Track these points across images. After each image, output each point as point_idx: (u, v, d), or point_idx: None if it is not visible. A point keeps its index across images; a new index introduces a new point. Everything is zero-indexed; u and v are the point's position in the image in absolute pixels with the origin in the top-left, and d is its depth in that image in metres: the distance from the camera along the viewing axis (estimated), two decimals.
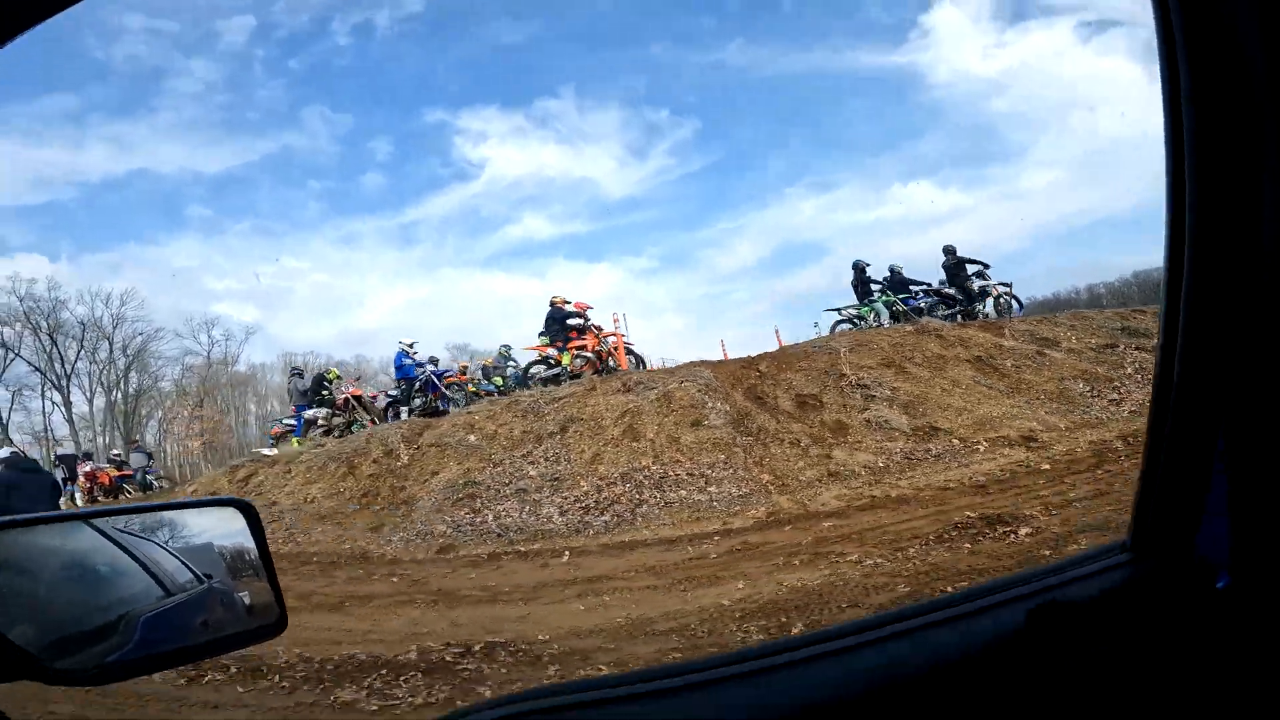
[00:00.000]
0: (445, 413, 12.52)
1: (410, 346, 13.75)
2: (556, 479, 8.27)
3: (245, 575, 0.92)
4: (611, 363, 11.81)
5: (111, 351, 49.58)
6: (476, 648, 4.03)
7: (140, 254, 59.65)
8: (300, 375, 15.02)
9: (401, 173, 72.50)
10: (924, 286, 12.41)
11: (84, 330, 48.19)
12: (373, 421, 13.22)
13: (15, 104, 62.15)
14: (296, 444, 13.64)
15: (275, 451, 17.02)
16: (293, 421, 14.99)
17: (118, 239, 70.83)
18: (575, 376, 11.59)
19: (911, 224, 69.30)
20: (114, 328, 49.05)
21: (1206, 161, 0.53)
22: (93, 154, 58.93)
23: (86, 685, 0.83)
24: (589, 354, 11.83)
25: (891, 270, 12.66)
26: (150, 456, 22.20)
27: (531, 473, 8.61)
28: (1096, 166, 58.10)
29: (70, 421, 47.65)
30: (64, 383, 47.50)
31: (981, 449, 7.25)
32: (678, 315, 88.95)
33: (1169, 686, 0.56)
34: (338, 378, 14.66)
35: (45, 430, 49.11)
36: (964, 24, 63.67)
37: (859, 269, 12.64)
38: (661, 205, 77.82)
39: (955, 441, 7.49)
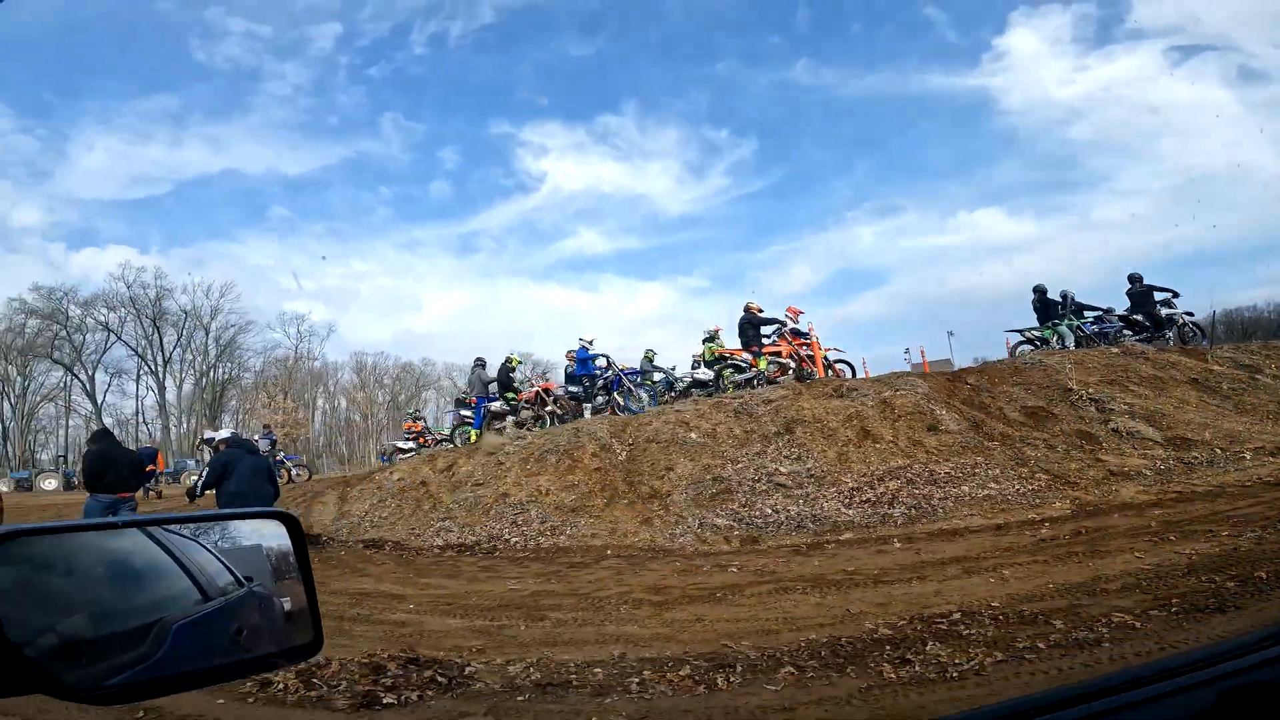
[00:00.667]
0: (627, 410, 13.21)
1: (590, 344, 14.20)
2: (814, 476, 8.87)
3: (286, 581, 0.93)
4: (808, 369, 12.51)
5: (206, 340, 51.65)
6: (956, 615, 4.22)
7: (222, 250, 62.68)
8: (484, 365, 14.99)
9: (466, 182, 73.90)
10: (1099, 312, 12.92)
11: (185, 318, 50.31)
12: (559, 416, 13.89)
13: (122, 101, 65.63)
14: (474, 436, 14.27)
15: (410, 445, 17.82)
16: (468, 413, 15.67)
17: (202, 235, 73.95)
18: (771, 381, 12.37)
19: (978, 252, 67.37)
20: (211, 318, 51.15)
21: None
22: (190, 152, 62.38)
23: (97, 704, 0.73)
24: (784, 360, 12.60)
25: (1063, 295, 13.19)
26: (275, 443, 23.30)
27: (781, 470, 9.25)
28: (1184, 197, 55.53)
29: (162, 405, 49.67)
30: (161, 369, 49.69)
31: (1247, 457, 7.76)
32: (726, 336, 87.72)
33: None
34: (519, 363, 14.88)
35: (137, 413, 51.38)
36: (1041, 48, 61.13)
37: (1040, 292, 13.28)
38: (716, 225, 76.92)
39: (1216, 451, 8.01)
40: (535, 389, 14.28)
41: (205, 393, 50.72)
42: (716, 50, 67.34)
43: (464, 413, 16.05)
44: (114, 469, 7.02)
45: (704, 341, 13.72)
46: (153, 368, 49.05)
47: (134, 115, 65.10)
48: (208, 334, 51.13)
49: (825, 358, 12.76)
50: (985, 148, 65.61)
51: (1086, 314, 12.91)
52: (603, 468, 10.28)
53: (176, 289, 49.67)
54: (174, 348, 50.25)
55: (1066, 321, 12.68)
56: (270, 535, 0.94)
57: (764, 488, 8.95)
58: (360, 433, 56.94)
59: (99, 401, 48.01)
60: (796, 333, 12.89)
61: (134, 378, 49.99)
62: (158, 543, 0.80)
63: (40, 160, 57.65)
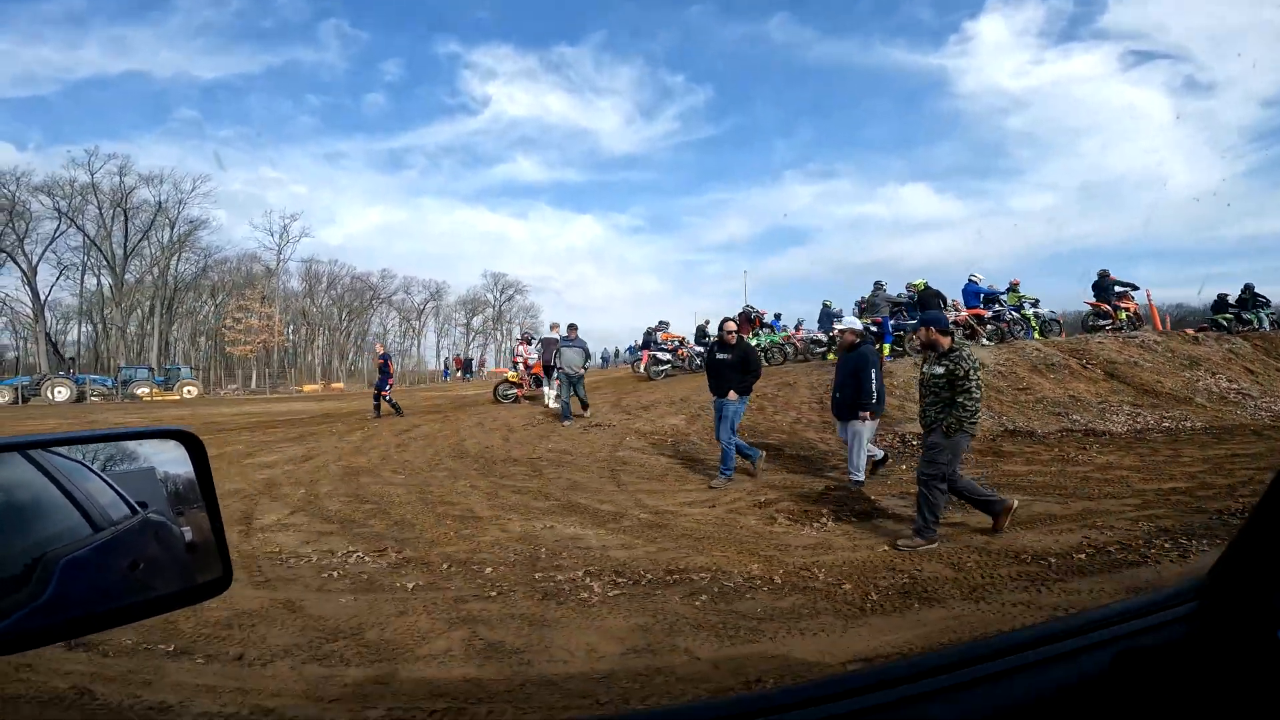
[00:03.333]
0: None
1: (981, 279, 14.72)
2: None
3: (188, 511, 0.82)
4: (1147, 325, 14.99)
5: (173, 234, 46.84)
6: None
7: (109, 150, 55.72)
8: (883, 287, 14.83)
9: (407, 97, 70.15)
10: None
11: (158, 209, 45.37)
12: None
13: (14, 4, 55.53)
14: (887, 350, 14.04)
15: (668, 357, 17.01)
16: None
17: (93, 135, 65.08)
18: (1119, 329, 14.47)
19: (902, 226, 71.55)
20: (178, 210, 46.25)
21: None
22: (88, 54, 54.37)
23: None
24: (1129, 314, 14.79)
25: (1248, 287, 15.55)
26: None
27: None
28: (1095, 197, 60.48)
29: (118, 301, 45.11)
30: (121, 264, 44.69)
31: None
32: (654, 278, 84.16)
33: None
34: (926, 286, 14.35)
35: (81, 310, 46.24)
36: (1008, 36, 63.73)
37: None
38: (658, 168, 77.87)
39: None
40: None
41: (161, 290, 45.97)
42: None
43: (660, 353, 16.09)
44: None
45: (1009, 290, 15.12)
46: (110, 261, 43.91)
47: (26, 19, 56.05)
48: (172, 227, 46.16)
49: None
50: (926, 127, 68.89)
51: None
52: None
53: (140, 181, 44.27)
54: (139, 240, 45.10)
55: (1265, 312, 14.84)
56: (168, 458, 0.84)
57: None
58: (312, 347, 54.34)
59: (42, 297, 42.61)
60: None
61: (80, 272, 44.60)
62: (39, 468, 0.72)
63: None
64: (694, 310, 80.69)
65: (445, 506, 6.01)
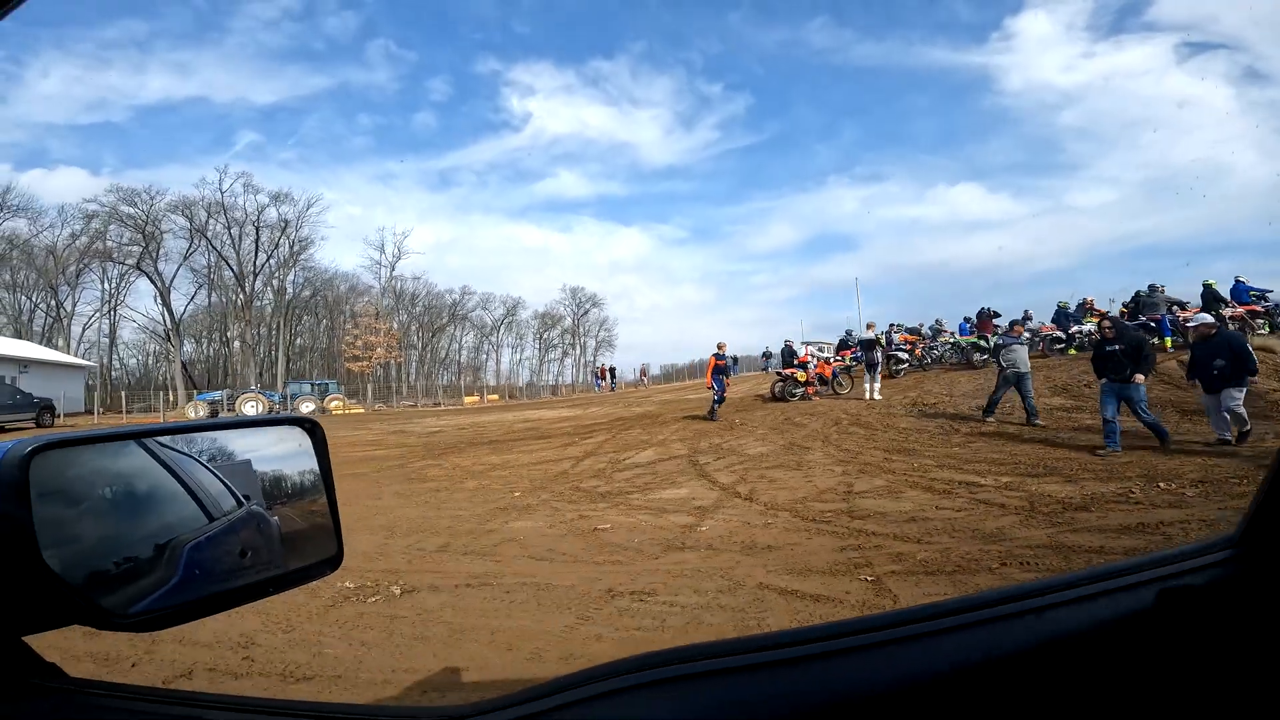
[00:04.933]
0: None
1: (1247, 280, 15.96)
2: None
3: (291, 499, 0.88)
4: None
5: (290, 251, 48.74)
6: None
7: (183, 175, 57.49)
8: (1160, 289, 16.55)
9: (453, 115, 71.71)
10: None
11: (285, 227, 47.35)
12: None
13: (80, 28, 58.51)
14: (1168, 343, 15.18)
15: (906, 356, 18.36)
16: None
17: (161, 159, 67.89)
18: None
19: (956, 227, 70.30)
20: (296, 229, 48.17)
21: None
22: (153, 79, 56.87)
23: (140, 630, 0.70)
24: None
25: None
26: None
27: None
28: (1157, 192, 58.45)
29: (247, 318, 47.03)
30: (251, 279, 46.62)
31: None
32: (697, 288, 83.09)
33: (1256, 672, 0.59)
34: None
35: (218, 328, 48.32)
36: (1054, 31, 61.30)
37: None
38: (699, 178, 77.32)
39: None
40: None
41: (281, 308, 47.90)
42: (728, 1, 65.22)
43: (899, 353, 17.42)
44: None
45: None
46: (240, 279, 45.89)
47: (91, 42, 58.04)
48: (291, 247, 48.06)
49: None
50: (974, 125, 67.66)
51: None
52: None
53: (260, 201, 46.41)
54: (267, 259, 47.06)
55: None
56: (280, 449, 0.91)
57: None
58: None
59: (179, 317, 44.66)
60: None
61: (208, 292, 46.65)
62: (159, 460, 0.78)
63: None
64: (847, 320, 79.62)
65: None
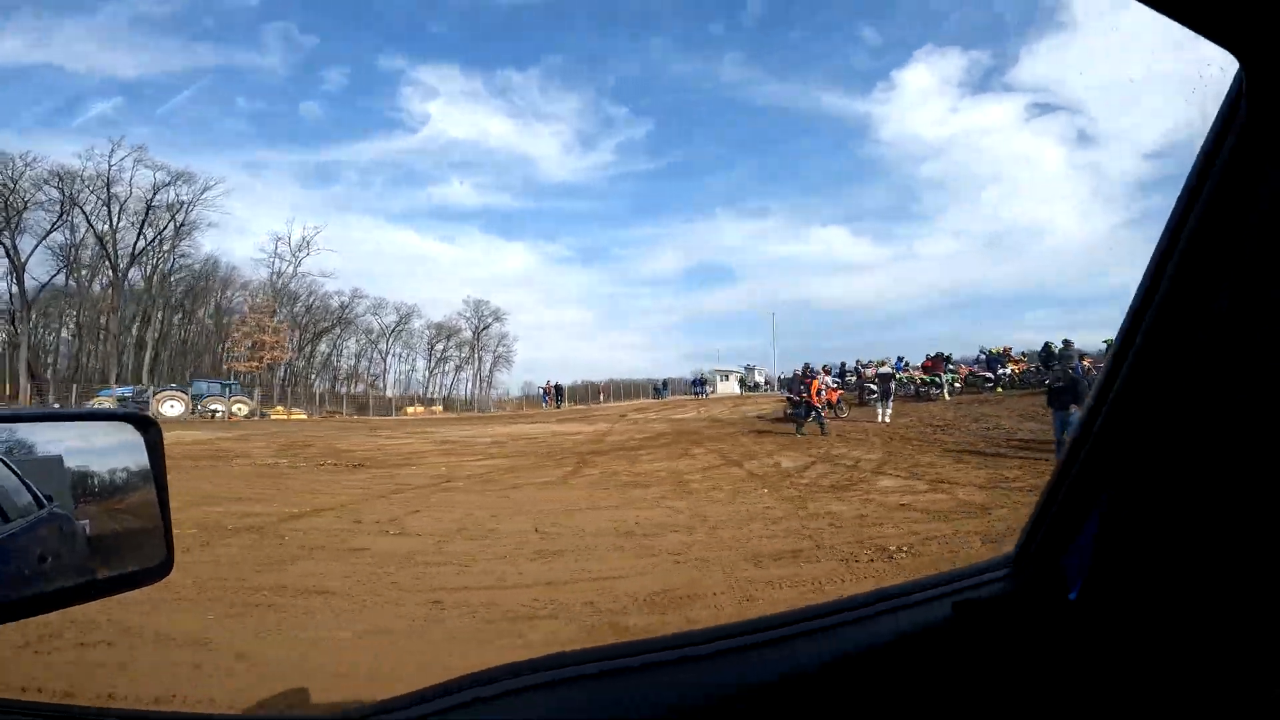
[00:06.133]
0: None
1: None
2: None
3: (104, 499, 0.80)
4: None
5: (174, 234, 43.91)
6: None
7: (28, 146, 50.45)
8: None
9: (345, 108, 68.60)
10: None
11: (179, 209, 42.56)
12: None
13: None
14: None
15: None
16: None
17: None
18: None
19: (826, 266, 76.69)
20: (185, 212, 43.66)
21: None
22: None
23: None
24: None
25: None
26: None
27: None
28: (991, 245, 66.96)
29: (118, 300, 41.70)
30: (126, 260, 41.24)
31: None
32: (580, 309, 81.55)
33: (1034, 676, 0.69)
34: None
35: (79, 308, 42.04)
36: (930, 85, 63.95)
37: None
38: (593, 198, 77.81)
39: None
40: None
41: (163, 296, 42.85)
42: (656, 25, 65.49)
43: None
44: None
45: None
46: (113, 261, 40.41)
47: None
48: (178, 228, 43.29)
49: None
50: (850, 170, 72.54)
51: None
52: None
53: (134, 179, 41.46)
54: (151, 241, 41.88)
55: None
56: (99, 438, 0.83)
57: None
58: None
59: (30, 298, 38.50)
60: None
61: (76, 267, 40.68)
62: None
63: None
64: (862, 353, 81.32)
65: None
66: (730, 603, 4.30)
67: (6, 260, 36.95)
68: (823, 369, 21.04)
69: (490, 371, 62.39)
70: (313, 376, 54.71)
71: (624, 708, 0.58)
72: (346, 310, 55.26)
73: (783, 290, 73.12)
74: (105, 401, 24.96)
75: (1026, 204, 65.29)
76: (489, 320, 62.90)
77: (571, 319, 79.63)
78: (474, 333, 62.20)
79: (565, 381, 44.90)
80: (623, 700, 0.59)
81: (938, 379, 20.61)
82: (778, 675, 0.63)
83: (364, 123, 71.01)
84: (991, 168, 68.30)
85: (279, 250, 48.24)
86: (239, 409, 29.41)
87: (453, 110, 69.75)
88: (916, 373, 22.27)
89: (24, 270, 37.55)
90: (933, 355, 21.73)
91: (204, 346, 46.88)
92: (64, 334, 42.95)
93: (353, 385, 55.76)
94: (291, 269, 47.44)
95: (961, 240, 68.25)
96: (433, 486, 9.03)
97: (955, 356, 23.16)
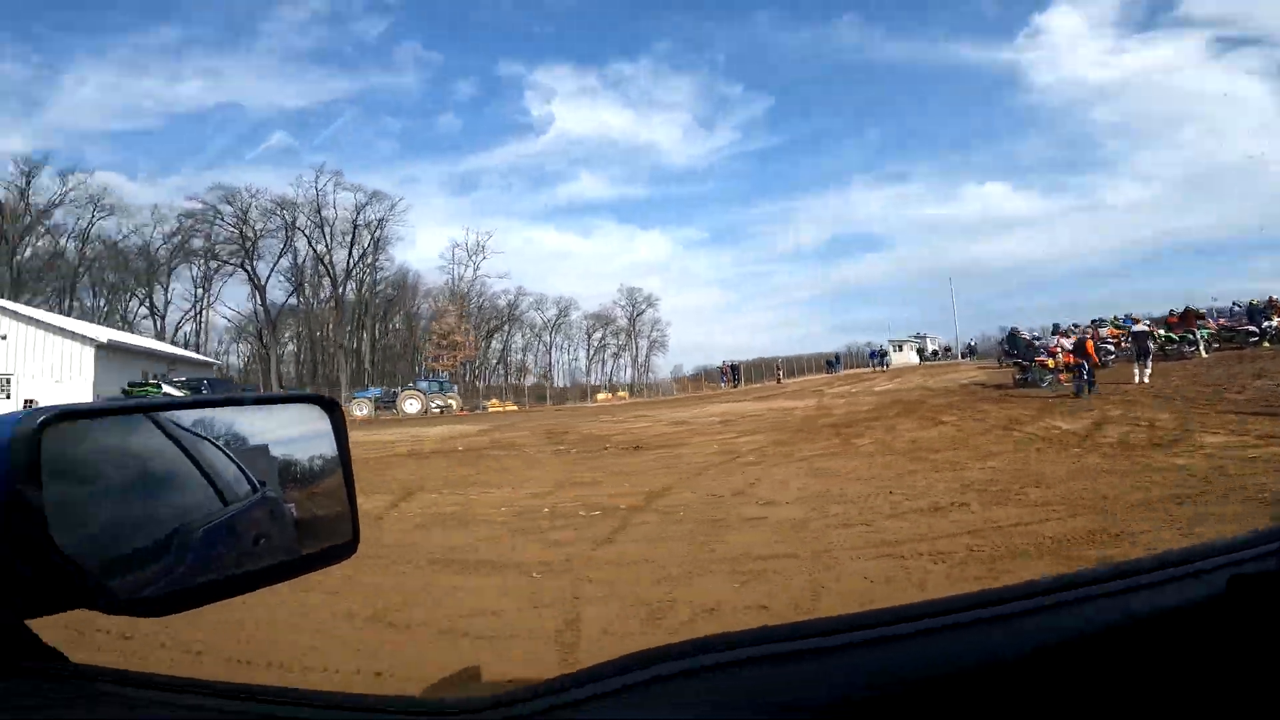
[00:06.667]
0: None
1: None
2: None
3: (304, 484, 0.86)
4: None
5: (374, 250, 49.44)
6: None
7: (220, 178, 57.23)
8: None
9: (477, 118, 72.95)
10: None
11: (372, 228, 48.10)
12: None
13: (116, 35, 59.55)
14: None
15: None
16: None
17: (195, 164, 68.17)
18: None
19: (982, 228, 70.89)
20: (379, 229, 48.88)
21: None
22: (188, 87, 57.54)
23: (149, 615, 0.67)
24: None
25: None
26: None
27: None
28: (1198, 188, 58.68)
29: (339, 313, 47.71)
30: (343, 277, 47.26)
31: None
32: (719, 290, 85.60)
33: None
34: None
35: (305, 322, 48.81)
36: (1080, 27, 61.07)
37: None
38: (720, 179, 78.25)
39: None
40: None
41: (371, 306, 48.52)
42: None
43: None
44: None
45: None
46: (333, 277, 46.55)
47: (128, 49, 59.77)
48: (375, 244, 48.81)
49: None
50: (1003, 123, 67.80)
51: None
52: None
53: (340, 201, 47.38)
54: (359, 258, 47.75)
55: None
56: (296, 431, 0.88)
57: None
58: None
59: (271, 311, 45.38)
60: None
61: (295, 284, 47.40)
62: (174, 440, 0.75)
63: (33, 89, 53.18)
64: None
65: None
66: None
67: (250, 284, 44.28)
68: (1058, 332, 19.71)
69: (647, 356, 64.51)
70: (488, 371, 59.93)
71: (820, 687, 0.53)
72: (513, 308, 59.85)
73: (937, 254, 68.86)
74: (362, 402, 29.31)
75: (1232, 141, 55.83)
76: (643, 306, 65.05)
77: (710, 301, 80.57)
78: (629, 319, 64.68)
79: (712, 361, 45.85)
80: (817, 679, 0.54)
81: (1190, 335, 18.51)
82: (1010, 653, 0.56)
83: (495, 129, 76.91)
84: (1182, 107, 59.51)
85: (455, 256, 53.24)
86: (451, 404, 33.16)
87: (572, 108, 72.93)
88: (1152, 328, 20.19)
89: (265, 292, 44.76)
90: (1179, 310, 19.59)
91: (398, 351, 53.08)
92: (290, 346, 50.62)
93: (522, 378, 60.20)
94: (471, 272, 52.15)
95: (1153, 186, 60.21)
96: (729, 462, 9.86)
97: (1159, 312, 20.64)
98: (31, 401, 24.50)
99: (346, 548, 0.85)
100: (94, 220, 42.04)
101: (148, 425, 0.75)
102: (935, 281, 69.33)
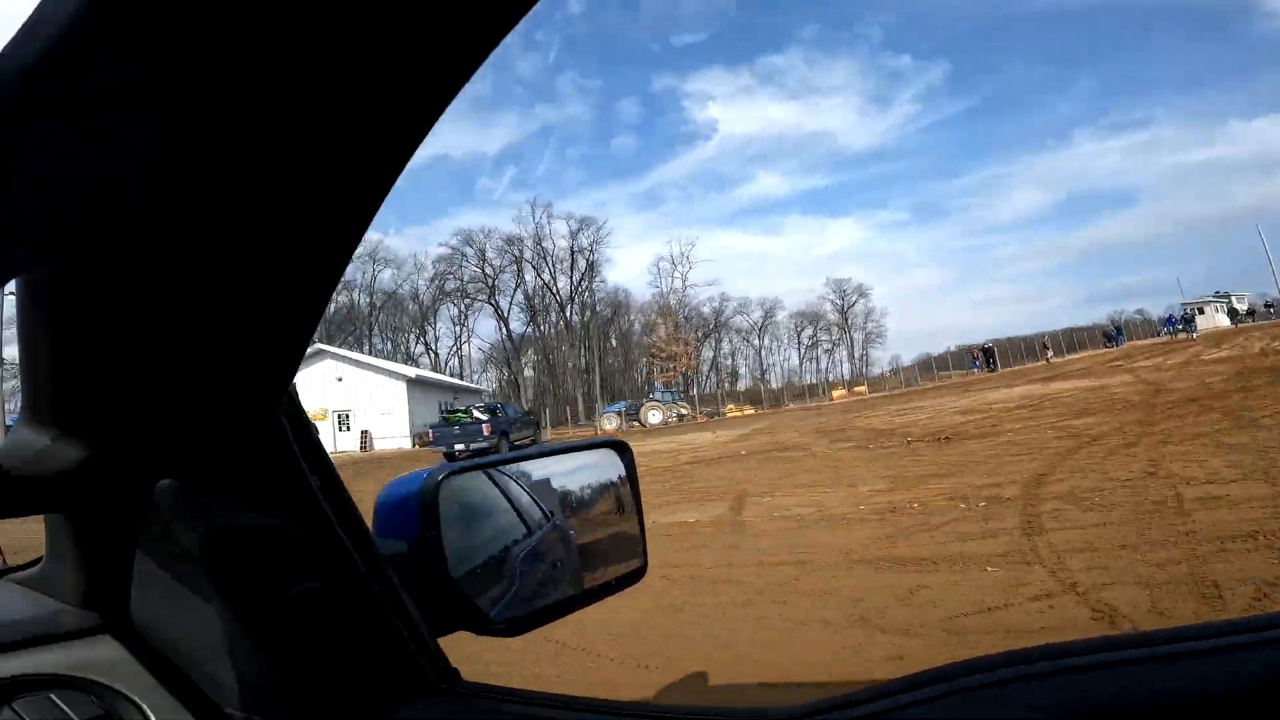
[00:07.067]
0: None
1: None
2: None
3: (578, 511, 0.91)
4: None
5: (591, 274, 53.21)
6: None
7: (447, 225, 62.25)
8: None
9: (648, 135, 73.50)
10: None
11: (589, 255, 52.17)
12: None
13: None
14: None
15: None
16: None
17: (431, 215, 76.20)
18: None
19: (1265, 164, 54.70)
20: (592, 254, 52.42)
21: None
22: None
23: (504, 636, 0.63)
24: None
25: None
26: None
27: None
28: None
29: (569, 336, 51.74)
30: (569, 303, 51.55)
31: None
32: (932, 270, 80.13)
33: None
34: None
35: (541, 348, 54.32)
36: None
37: None
38: (908, 155, 71.36)
39: None
40: None
41: (596, 326, 52.08)
42: None
43: None
44: None
45: None
46: (560, 303, 50.94)
47: None
48: (590, 267, 52.54)
49: None
50: (1244, 55, 52.60)
51: None
52: None
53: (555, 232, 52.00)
54: (579, 283, 52.02)
55: None
56: (571, 462, 0.95)
57: None
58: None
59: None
60: None
61: (530, 313, 52.65)
62: (493, 482, 0.83)
63: None
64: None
65: None
66: None
67: (495, 317, 50.46)
68: None
69: (864, 349, 61.41)
70: (700, 380, 61.49)
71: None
72: (720, 315, 60.80)
73: (1210, 201, 56.19)
74: (611, 416, 31.92)
75: None
76: (853, 298, 61.98)
77: (924, 282, 74.64)
78: (841, 312, 62.25)
79: (935, 348, 42.20)
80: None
81: None
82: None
83: (665, 142, 79.00)
84: None
85: (660, 269, 55.60)
86: (684, 412, 34.55)
87: (733, 109, 72.49)
88: None
89: (508, 322, 50.69)
90: None
91: (617, 367, 56.70)
92: (527, 372, 56.62)
93: (733, 382, 60.76)
94: (680, 283, 54.08)
95: None
96: (1087, 446, 8.70)
97: None
98: (366, 433, 30.35)
99: (638, 572, 0.92)
100: (375, 273, 51.43)
101: (479, 474, 0.83)
102: (1208, 233, 56.75)
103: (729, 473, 11.35)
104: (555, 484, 0.93)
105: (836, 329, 64.69)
